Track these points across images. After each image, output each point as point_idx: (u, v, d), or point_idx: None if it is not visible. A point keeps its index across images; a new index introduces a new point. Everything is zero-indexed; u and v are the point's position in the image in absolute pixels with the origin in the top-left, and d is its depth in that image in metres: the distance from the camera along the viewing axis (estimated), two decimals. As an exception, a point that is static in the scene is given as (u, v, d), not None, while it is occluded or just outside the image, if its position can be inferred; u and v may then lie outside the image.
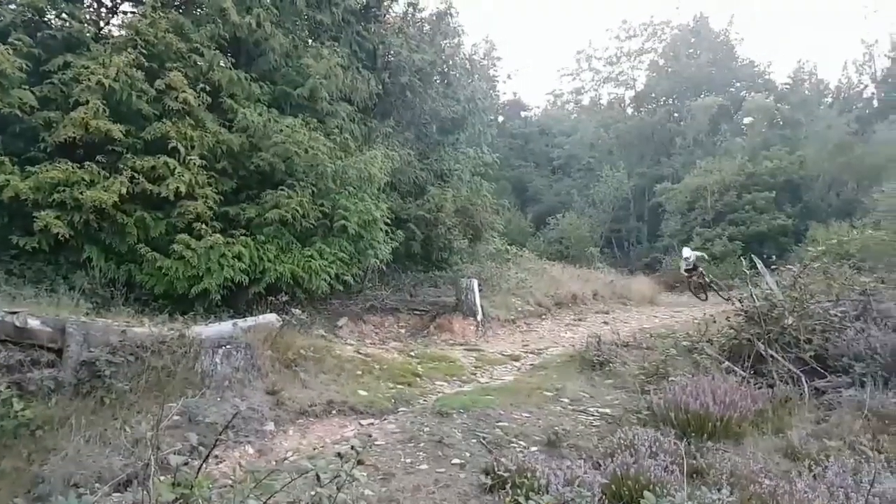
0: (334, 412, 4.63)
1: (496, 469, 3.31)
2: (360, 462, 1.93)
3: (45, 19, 7.26)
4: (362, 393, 4.95)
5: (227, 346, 4.79)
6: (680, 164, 27.72)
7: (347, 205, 7.58)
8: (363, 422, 4.51)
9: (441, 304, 8.82)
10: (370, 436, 4.02)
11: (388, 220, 8.42)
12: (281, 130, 7.14)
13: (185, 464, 3.36)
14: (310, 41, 8.64)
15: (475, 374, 6.15)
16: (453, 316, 8.30)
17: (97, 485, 3.46)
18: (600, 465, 3.32)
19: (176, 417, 4.18)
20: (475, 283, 8.66)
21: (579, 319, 8.87)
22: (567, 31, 60.89)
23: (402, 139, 9.87)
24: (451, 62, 11.19)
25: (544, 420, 4.43)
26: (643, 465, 3.20)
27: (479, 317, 8.47)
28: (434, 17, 11.50)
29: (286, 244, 7.29)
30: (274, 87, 7.95)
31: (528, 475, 3.09)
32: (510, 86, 53.88)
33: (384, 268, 8.99)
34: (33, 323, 4.28)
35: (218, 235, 6.70)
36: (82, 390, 4.16)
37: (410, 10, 11.20)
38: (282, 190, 7.18)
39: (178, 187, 6.47)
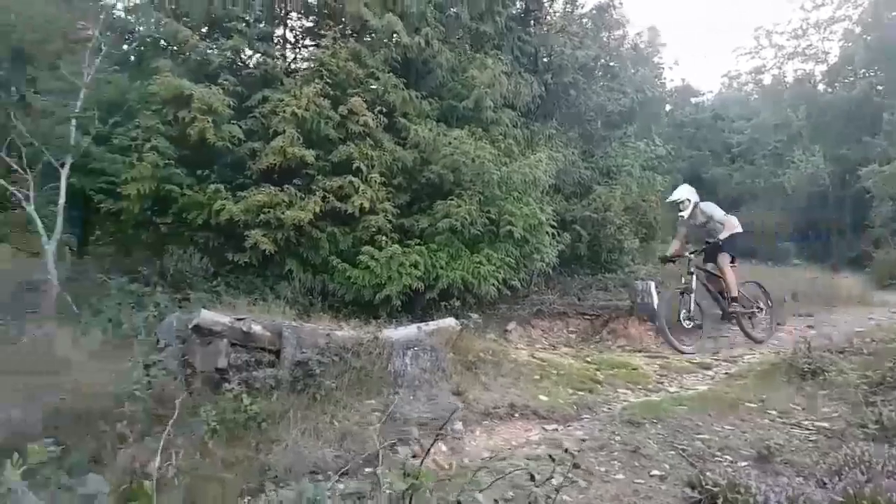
0: (516, 415, 4.89)
1: (703, 483, 3.25)
2: (576, 466, 2.10)
3: (244, 59, 8.53)
4: (542, 398, 5.16)
5: (415, 349, 5.29)
6: (889, 142, 24.24)
7: (513, 210, 7.90)
8: (547, 427, 4.72)
9: (613, 308, 8.75)
10: (565, 444, 4.17)
11: (554, 223, 8.59)
12: (449, 143, 7.66)
13: (414, 456, 3.82)
14: (473, 53, 9.08)
15: (661, 382, 6.07)
16: (628, 320, 8.21)
17: (315, 474, 4.01)
18: (825, 484, 3.13)
19: (376, 414, 4.72)
20: (652, 284, 8.47)
21: (778, 323, 8.23)
22: (741, 7, 56.18)
23: (566, 139, 9.98)
24: (615, 54, 11.08)
25: (751, 433, 4.26)
26: (881, 484, 2.95)
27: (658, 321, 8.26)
28: (595, 12, 11.48)
29: (456, 251, 7.78)
30: (441, 102, 8.55)
31: (742, 491, 3.00)
32: (677, 72, 51.04)
33: (550, 271, 9.15)
34: (256, 328, 5.08)
35: (397, 246, 7.38)
36: (297, 387, 4.85)
37: (569, 7, 11.30)
38: (451, 200, 7.69)
39: (361, 203, 7.27)
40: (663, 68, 26.27)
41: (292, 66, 8.95)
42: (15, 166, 6.84)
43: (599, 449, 4.06)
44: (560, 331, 8.46)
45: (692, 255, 7.61)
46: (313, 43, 9.28)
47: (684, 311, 7.31)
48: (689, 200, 7.77)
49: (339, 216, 7.52)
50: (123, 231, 8.00)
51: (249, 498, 3.84)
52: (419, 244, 7.67)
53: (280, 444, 4.29)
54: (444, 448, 4.64)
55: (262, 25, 8.47)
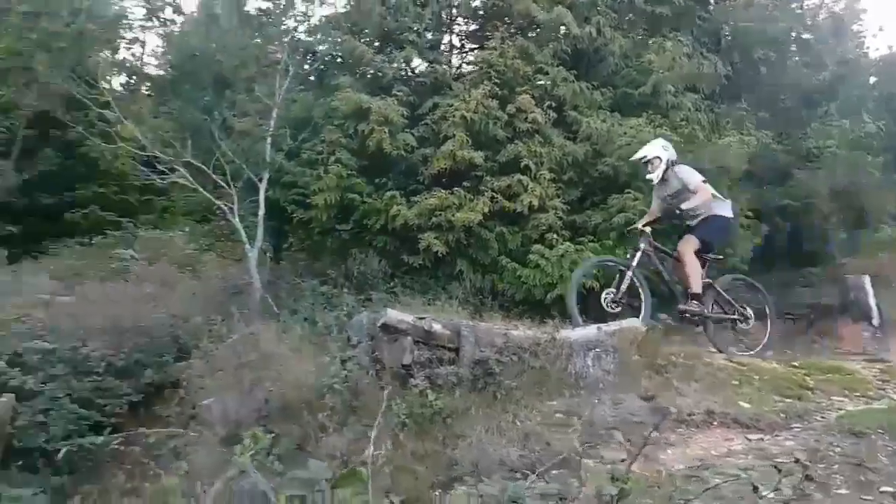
0: (715, 423, 4.54)
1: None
2: (808, 478, 1.91)
3: (414, 69, 8.94)
4: (744, 405, 4.74)
5: (597, 350, 5.13)
6: None
7: (698, 201, 7.36)
8: (750, 436, 4.32)
9: (819, 307, 7.84)
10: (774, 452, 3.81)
11: (748, 213, 7.89)
12: (624, 133, 7.36)
13: (622, 460, 3.68)
14: (648, 36, 8.67)
15: (884, 388, 5.32)
16: (839, 320, 7.30)
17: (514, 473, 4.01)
18: None
19: (558, 415, 4.64)
20: (867, 279, 7.45)
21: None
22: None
23: (756, 121, 9.12)
24: (809, 24, 9.93)
25: None
26: None
27: (875, 321, 7.24)
28: (786, -20, 10.37)
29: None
30: (614, 90, 8.26)
31: None
32: (882, 40, 44.55)
33: (745, 267, 8.40)
34: (436, 326, 5.25)
35: (568, 244, 7.25)
36: (478, 385, 4.93)
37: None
38: (627, 193, 7.37)
39: (530, 202, 7.25)
40: (865, 37, 23.09)
41: (459, 70, 9.19)
42: (221, 182, 7.75)
43: (817, 461, 3.63)
44: (758, 332, 7.73)
45: (646, 227, 6.01)
46: (477, 46, 9.46)
47: (612, 291, 5.79)
48: (660, 159, 5.95)
49: (508, 215, 7.56)
50: (312, 238, 8.73)
51: (440, 491, 3.95)
52: (592, 241, 7.46)
53: (465, 441, 4.38)
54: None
55: (430, 35, 8.81)
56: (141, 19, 8.96)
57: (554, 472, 4.03)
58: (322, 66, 9.12)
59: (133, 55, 8.07)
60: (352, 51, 8.29)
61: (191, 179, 7.55)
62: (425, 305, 6.80)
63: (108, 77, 9.14)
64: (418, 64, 8.98)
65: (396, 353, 5.11)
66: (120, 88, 10.28)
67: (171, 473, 4.98)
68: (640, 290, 5.94)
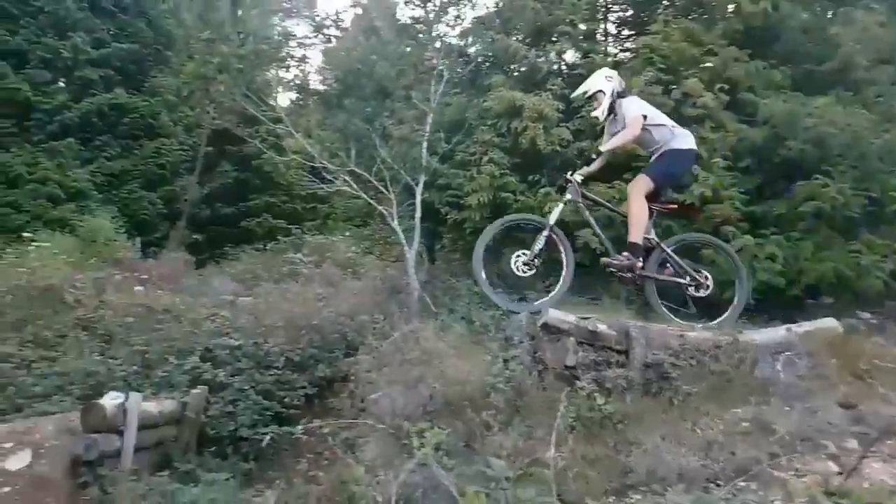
0: (930, 436, 3.95)
1: None
2: None
3: (569, 61, 8.79)
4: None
5: (787, 353, 4.69)
6: None
7: (902, 185, 6.52)
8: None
9: None
10: None
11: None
12: (809, 114, 6.67)
13: (838, 473, 3.35)
14: (835, 7, 7.83)
15: None
16: None
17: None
18: None
19: (744, 424, 4.30)
20: None
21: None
22: None
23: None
24: None
25: None
26: None
27: None
28: None
29: (825, 239, 6.73)
30: (794, 68, 7.54)
31: None
32: None
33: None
34: (601, 327, 5.09)
35: (748, 237, 6.69)
36: (651, 390, 4.72)
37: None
38: (815, 179, 6.67)
39: (702, 192, 6.78)
40: None
41: (616, 58, 8.90)
42: (380, 188, 8.13)
43: None
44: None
45: (574, 175, 5.24)
46: (635, 32, 9.10)
47: (524, 252, 5.12)
48: (604, 93, 5.18)
49: (678, 208, 7.13)
50: (465, 238, 8.88)
51: (614, 497, 3.82)
52: (776, 233, 6.82)
53: (639, 448, 4.20)
54: (833, 468, 4.00)
55: (584, 26, 8.62)
56: (303, 37, 9.69)
57: (741, 483, 3.76)
58: (475, 68, 9.27)
59: (302, 71, 8.71)
60: (505, 49, 8.33)
61: (354, 187, 8.01)
62: (585, 305, 6.64)
63: (275, 94, 10.02)
64: (573, 56, 8.83)
65: (559, 354, 5.04)
66: (289, 104, 11.19)
67: (346, 463, 5.30)
68: (563, 253, 5.30)
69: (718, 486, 3.54)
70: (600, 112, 5.42)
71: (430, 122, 8.03)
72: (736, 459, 3.94)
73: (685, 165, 5.21)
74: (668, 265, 5.27)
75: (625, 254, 5.06)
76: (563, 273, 5.23)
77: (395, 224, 7.90)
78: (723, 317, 5.33)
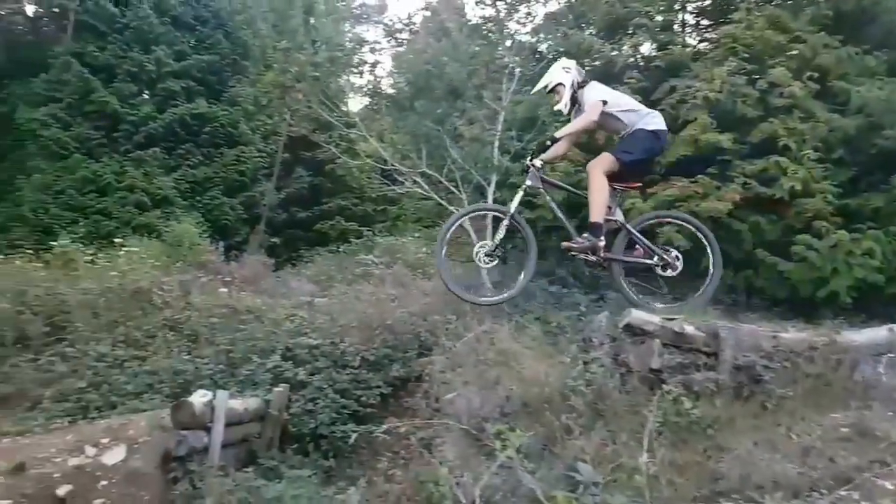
0: None
1: None
2: None
3: (646, 53, 8.54)
4: None
5: (890, 355, 4.40)
6: None
7: None
8: None
9: None
10: None
11: None
12: (910, 100, 6.24)
13: None
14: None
15: None
16: None
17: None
18: None
19: (844, 430, 4.06)
20: None
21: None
22: None
23: None
24: None
25: None
26: None
27: None
28: None
29: (926, 234, 6.27)
30: (890, 52, 7.06)
31: None
32: None
33: None
34: (688, 328, 4.91)
35: (842, 232, 6.31)
36: (742, 394, 4.51)
37: None
38: (917, 169, 6.23)
39: (792, 186, 6.44)
40: None
41: (696, 49, 8.58)
42: (451, 189, 8.13)
43: None
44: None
45: (533, 161, 4.99)
46: (714, 21, 8.76)
47: (486, 243, 4.91)
48: (563, 85, 4.98)
49: (764, 203, 6.80)
50: (536, 237, 8.77)
51: (705, 505, 3.68)
52: (873, 228, 6.41)
53: (730, 454, 4.05)
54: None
55: (661, 17, 8.38)
56: (373, 42, 9.83)
57: (842, 493, 3.56)
58: (547, 64, 9.14)
59: (375, 76, 8.85)
60: (578, 44, 8.17)
61: (426, 188, 8.05)
62: (667, 305, 6.44)
63: (348, 99, 10.24)
64: (648, 48, 8.58)
65: (643, 356, 4.90)
66: (361, 109, 11.40)
67: (425, 462, 5.33)
68: (526, 242, 5.06)
69: (822, 494, 3.34)
70: (563, 105, 5.37)
71: (501, 121, 7.96)
72: (836, 467, 3.73)
73: (651, 145, 4.95)
74: (637, 246, 5.04)
75: (585, 235, 4.89)
76: (526, 261, 5.08)
77: (466, 224, 7.89)
78: (696, 295, 5.05)
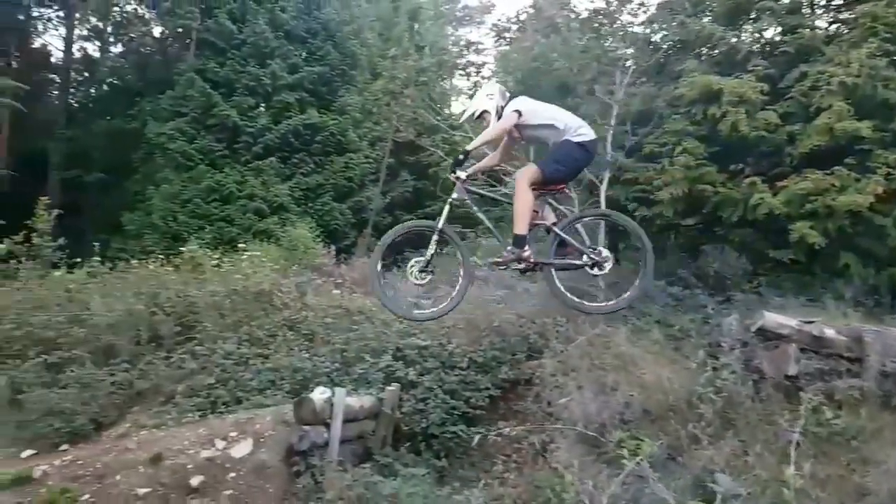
0: None
1: None
2: None
3: (772, 39, 8.00)
4: None
5: None
6: None
7: None
8: None
9: None
10: None
11: None
12: None
13: None
14: None
15: None
16: None
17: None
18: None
19: None
20: None
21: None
22: None
23: None
24: None
25: None
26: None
27: None
28: None
29: None
30: None
31: None
32: None
33: None
34: (828, 332, 4.54)
35: None
36: (890, 403, 4.12)
37: None
38: None
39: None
40: None
41: (828, 31, 7.93)
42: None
43: None
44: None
45: (457, 173, 4.57)
46: (849, 1, 8.04)
47: (419, 259, 4.55)
48: (489, 112, 4.72)
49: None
50: (654, 236, 8.44)
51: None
52: None
53: (877, 467, 3.71)
54: None
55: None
56: (476, 43, 9.85)
57: None
58: (662, 55, 8.80)
59: (482, 77, 8.85)
60: (696, 32, 7.79)
61: (534, 188, 7.92)
62: (802, 307, 6.00)
63: (451, 102, 10.31)
64: (774, 33, 8.03)
65: (778, 362, 4.60)
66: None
67: (537, 467, 5.26)
68: (459, 255, 4.84)
69: None
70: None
71: (614, 115, 7.72)
72: None
73: (577, 157, 4.72)
74: (567, 247, 4.78)
75: (509, 248, 4.72)
76: (460, 277, 4.92)
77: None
78: (628, 293, 4.67)
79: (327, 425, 5.16)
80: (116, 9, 22.63)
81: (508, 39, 8.63)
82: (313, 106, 17.85)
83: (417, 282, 4.92)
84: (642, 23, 8.67)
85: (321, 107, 18.06)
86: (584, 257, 4.82)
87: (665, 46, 8.63)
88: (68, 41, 22.31)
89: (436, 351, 6.57)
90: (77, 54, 23.35)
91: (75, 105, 23.56)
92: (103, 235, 14.33)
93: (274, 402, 5.94)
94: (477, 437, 5.35)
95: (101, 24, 23.07)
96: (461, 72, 8.90)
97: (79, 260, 8.79)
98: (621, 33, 8.32)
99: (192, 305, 7.56)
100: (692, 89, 7.15)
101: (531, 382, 6.28)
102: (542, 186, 4.78)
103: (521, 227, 4.73)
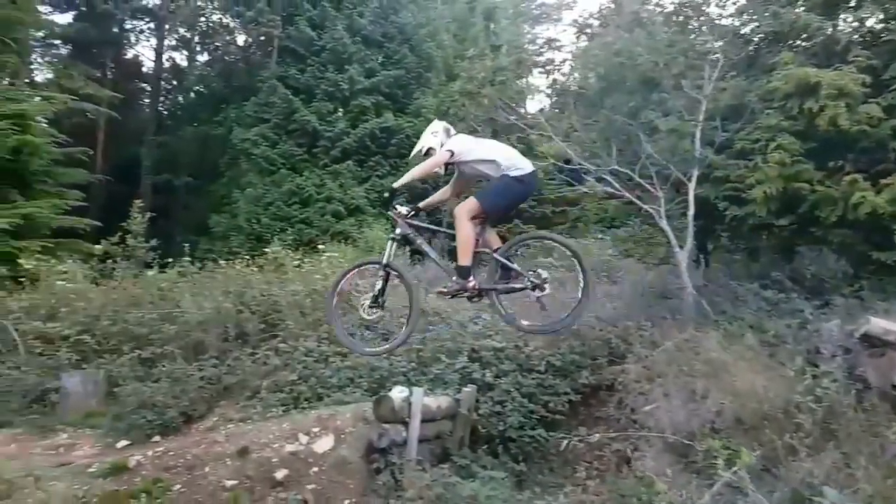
0: None
1: None
2: None
3: (874, 28, 7.51)
4: None
5: None
6: None
7: None
8: None
9: None
10: None
11: None
12: None
13: None
14: None
15: None
16: None
17: None
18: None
19: None
20: None
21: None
22: None
23: None
24: None
25: None
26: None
27: None
28: None
29: None
30: None
31: None
32: None
33: None
34: None
35: None
36: None
37: None
38: None
39: None
40: None
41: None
42: (647, 186, 7.73)
43: None
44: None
45: (398, 209, 4.96)
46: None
47: (369, 296, 4.86)
48: (434, 149, 4.93)
49: None
50: (746, 237, 8.12)
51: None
52: None
53: None
54: None
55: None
56: (552, 40, 9.73)
57: None
58: (753, 48, 8.41)
59: (562, 74, 8.73)
60: (790, 22, 7.40)
61: (616, 186, 7.75)
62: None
63: (527, 100, 10.22)
64: (876, 20, 7.52)
65: (884, 371, 4.32)
66: (540, 109, 11.33)
67: (621, 474, 5.13)
68: (407, 289, 5.06)
69: None
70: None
71: (703, 111, 7.45)
72: None
73: (515, 191, 5.01)
74: (509, 271, 5.06)
75: (454, 279, 5.00)
76: (410, 312, 5.12)
77: (663, 223, 7.46)
78: (566, 315, 4.84)
79: (405, 424, 5.22)
80: (202, 19, 23.85)
81: (590, 35, 8.45)
82: (389, 109, 18.22)
83: (367, 317, 5.32)
84: (731, 14, 8.32)
85: (397, 110, 18.39)
86: (525, 280, 5.11)
87: (756, 39, 8.25)
88: (158, 51, 23.74)
89: (512, 353, 6.54)
90: (166, 64, 24.83)
91: (165, 113, 25.06)
92: (192, 237, 15.12)
93: (353, 399, 6.07)
94: (565, 443, 5.28)
95: (188, 34, 24.38)
96: (541, 70, 8.78)
97: (170, 260, 9.29)
98: (709, 27, 7.99)
99: (276, 304, 7.82)
100: (787, 82, 6.80)
101: (613, 388, 6.16)
102: (484, 218, 5.06)
103: (464, 259, 5.05)
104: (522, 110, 9.67)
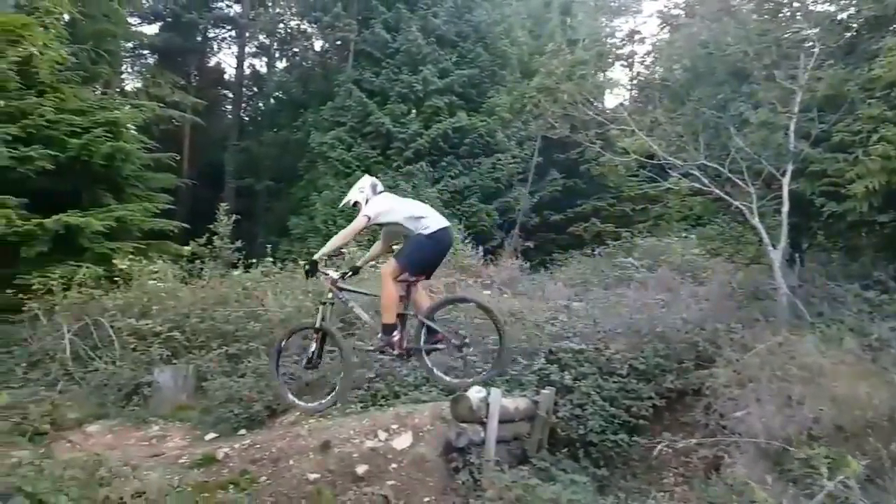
0: None
1: None
2: None
3: None
4: None
5: None
6: None
7: None
8: None
9: None
10: None
11: None
12: None
13: None
14: None
15: None
16: None
17: None
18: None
19: None
20: None
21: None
22: None
23: None
24: None
25: None
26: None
27: None
28: None
29: None
30: None
31: None
32: None
33: None
34: None
35: None
36: None
37: None
38: None
39: None
40: None
41: None
42: (736, 181, 7.43)
43: None
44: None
45: (328, 276, 5.46)
46: None
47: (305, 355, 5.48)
48: (361, 203, 5.43)
49: None
50: (845, 234, 7.69)
51: None
52: None
53: None
54: None
55: None
56: (631, 32, 9.49)
57: None
58: (853, 34, 7.94)
59: (646, 67, 8.54)
60: (895, 6, 6.96)
61: (704, 182, 7.49)
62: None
63: (606, 95, 10.01)
64: None
65: None
66: (620, 104, 11.11)
67: (707, 481, 4.96)
68: (339, 350, 5.59)
69: None
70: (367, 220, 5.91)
71: (798, 102, 7.09)
72: None
73: (431, 248, 5.46)
74: (434, 332, 5.51)
75: (379, 336, 5.44)
76: (342, 373, 5.55)
77: (755, 220, 7.13)
78: (486, 371, 5.53)
79: (483, 424, 5.23)
80: (281, 25, 24.76)
81: (674, 25, 8.22)
82: (462, 109, 18.36)
83: (305, 378, 5.89)
84: (826, 0, 7.88)
85: (470, 109, 18.51)
86: (448, 342, 5.61)
87: (855, 25, 7.79)
88: (240, 59, 24.85)
89: (592, 356, 6.44)
90: (247, 71, 25.91)
91: (246, 119, 26.16)
92: (273, 238, 15.72)
93: (429, 398, 6.13)
94: (658, 448, 5.21)
95: (267, 41, 25.36)
96: (623, 63, 8.63)
97: (253, 261, 9.71)
98: (803, 13, 7.60)
99: (353, 303, 8.03)
100: (890, 70, 6.38)
101: (700, 393, 5.96)
102: (407, 277, 5.42)
103: (387, 318, 5.45)
104: (600, 105, 9.50)
